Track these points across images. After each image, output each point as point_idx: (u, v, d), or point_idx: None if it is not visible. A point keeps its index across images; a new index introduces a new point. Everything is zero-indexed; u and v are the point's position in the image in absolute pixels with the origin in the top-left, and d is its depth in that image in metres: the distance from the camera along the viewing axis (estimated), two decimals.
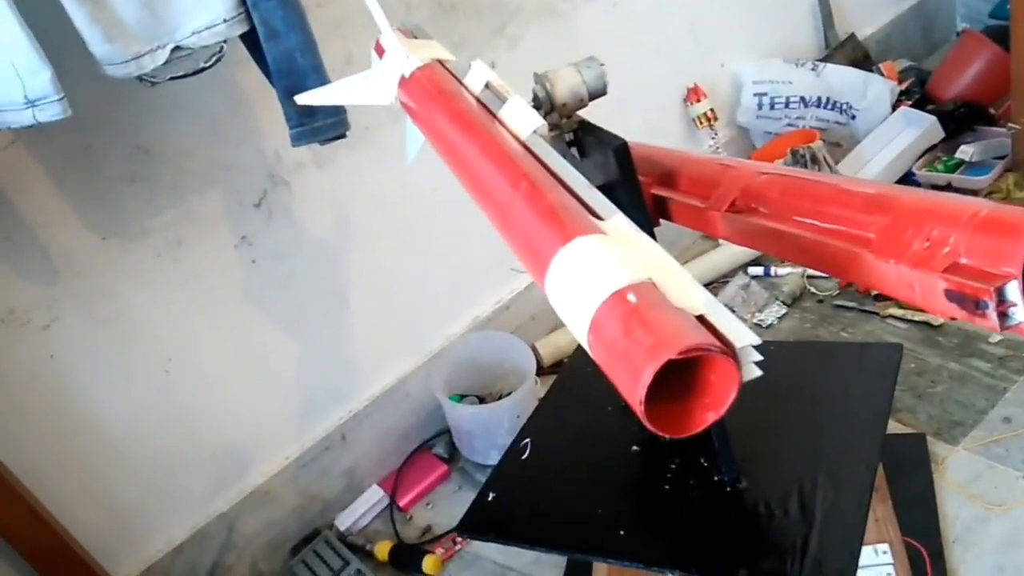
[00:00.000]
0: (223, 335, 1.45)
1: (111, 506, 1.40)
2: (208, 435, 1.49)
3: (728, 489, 0.92)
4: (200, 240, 1.38)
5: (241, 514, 1.55)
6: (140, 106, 1.25)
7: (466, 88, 0.87)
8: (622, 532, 0.92)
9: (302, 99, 1.04)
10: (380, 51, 1.01)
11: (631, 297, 0.50)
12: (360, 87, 1.02)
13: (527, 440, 1.06)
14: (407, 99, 0.93)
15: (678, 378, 0.46)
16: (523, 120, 0.77)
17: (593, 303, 0.51)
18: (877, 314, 1.73)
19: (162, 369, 1.40)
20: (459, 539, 1.56)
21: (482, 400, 1.76)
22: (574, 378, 1.25)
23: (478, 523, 0.99)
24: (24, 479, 1.26)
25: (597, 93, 0.88)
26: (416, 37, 1.04)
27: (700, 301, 0.51)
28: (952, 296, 0.57)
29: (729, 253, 2.03)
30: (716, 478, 0.94)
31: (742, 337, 0.48)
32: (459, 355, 1.74)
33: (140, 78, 1.05)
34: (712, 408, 0.48)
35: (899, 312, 1.71)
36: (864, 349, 1.29)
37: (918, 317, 1.67)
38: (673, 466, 0.97)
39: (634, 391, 0.45)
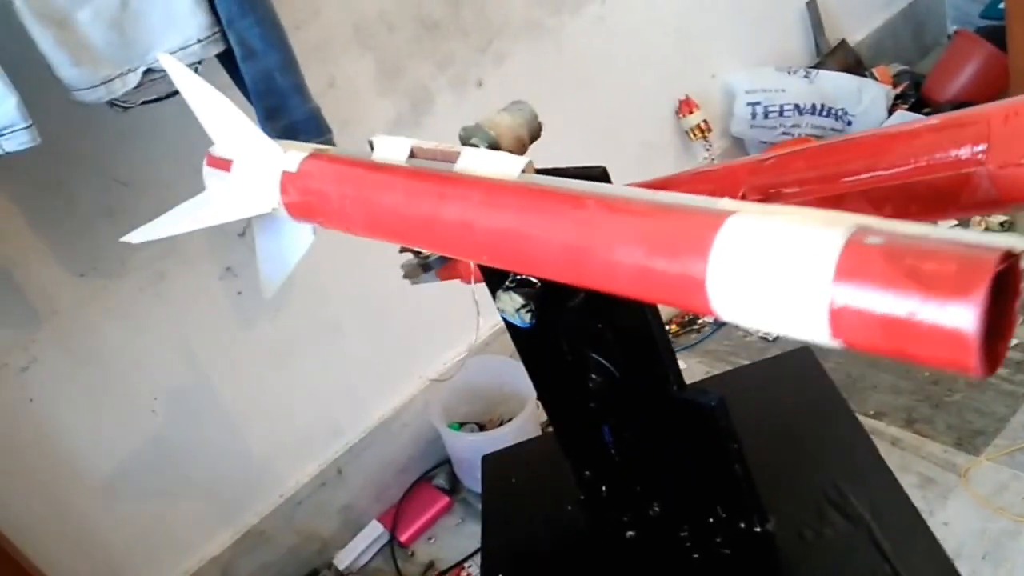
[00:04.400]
0: (211, 370, 1.40)
1: (99, 553, 1.34)
2: (199, 475, 1.43)
3: (758, 530, 0.84)
4: (184, 273, 1.33)
5: (235, 557, 1.48)
6: (116, 136, 1.21)
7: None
8: None
9: (129, 239, 0.90)
10: (219, 164, 0.86)
11: (873, 240, 0.37)
12: (215, 206, 0.87)
13: None
14: (303, 196, 0.76)
15: None
16: (501, 164, 0.66)
17: (820, 275, 0.38)
18: None
19: (148, 408, 1.34)
20: (464, 573, 1.50)
21: (482, 427, 1.70)
22: (503, 495, 1.07)
23: None
24: (7, 529, 1.20)
25: (535, 136, 0.80)
26: None
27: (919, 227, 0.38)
28: None
29: None
30: (742, 525, 0.86)
31: (1010, 241, 0.35)
32: (457, 382, 1.69)
33: (111, 103, 1.00)
34: (1006, 334, 0.36)
35: None
36: (779, 360, 1.21)
37: None
38: (685, 534, 0.90)
39: (960, 339, 0.34)
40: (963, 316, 0.33)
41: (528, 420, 1.56)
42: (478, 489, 1.65)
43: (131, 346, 1.30)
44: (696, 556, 0.84)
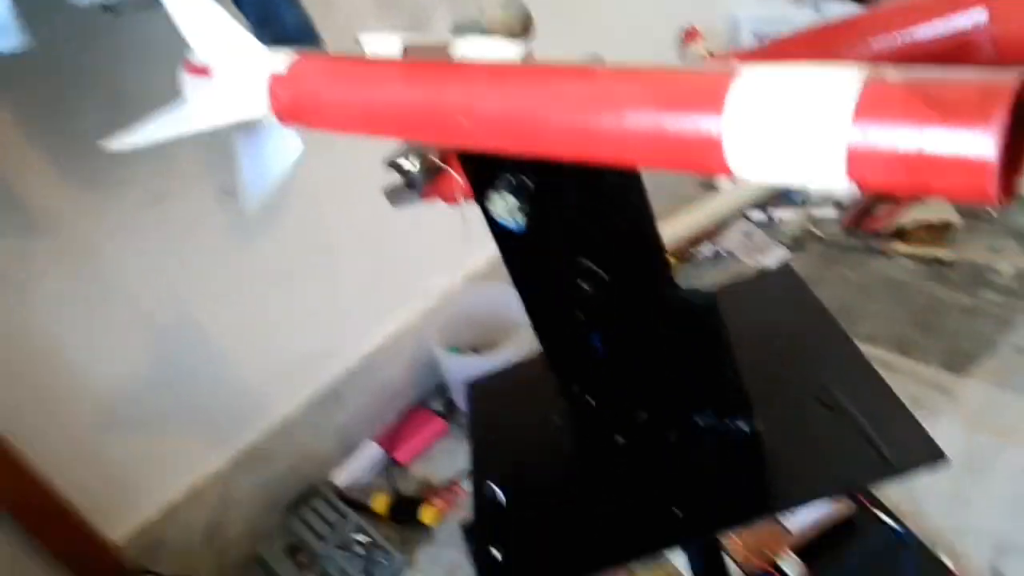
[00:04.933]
0: (210, 291, 1.41)
1: (104, 467, 1.37)
2: (199, 393, 1.45)
3: (745, 429, 0.85)
4: (182, 193, 1.33)
5: (237, 472, 1.51)
6: (112, 51, 1.20)
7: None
8: (676, 510, 0.80)
9: (109, 146, 0.89)
10: (198, 71, 0.84)
11: (892, 76, 0.37)
12: (197, 114, 0.85)
13: (491, 488, 0.91)
14: (293, 98, 0.74)
15: None
16: (502, 50, 0.65)
17: (839, 114, 0.37)
18: (883, 252, 1.68)
19: (148, 326, 1.36)
20: (457, 489, 1.53)
21: (478, 353, 1.72)
22: (489, 410, 1.09)
23: None
24: (14, 439, 1.22)
25: (528, 29, 0.77)
26: None
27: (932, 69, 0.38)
28: None
29: (729, 199, 1.98)
30: (729, 425, 0.86)
31: None
32: (453, 309, 1.70)
33: (104, 7, 1.00)
34: (1020, 167, 0.37)
35: (906, 250, 1.66)
36: (764, 278, 1.22)
37: (925, 254, 1.63)
38: (672, 437, 0.91)
39: (979, 166, 0.34)
40: (983, 141, 0.34)
41: (522, 344, 1.57)
42: None
43: (130, 264, 1.31)
44: (686, 456, 0.86)
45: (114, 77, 1.21)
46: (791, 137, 0.40)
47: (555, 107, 0.53)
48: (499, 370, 1.14)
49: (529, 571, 0.81)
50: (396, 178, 1.05)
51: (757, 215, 1.94)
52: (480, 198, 0.83)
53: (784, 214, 1.91)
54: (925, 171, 0.37)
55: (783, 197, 1.99)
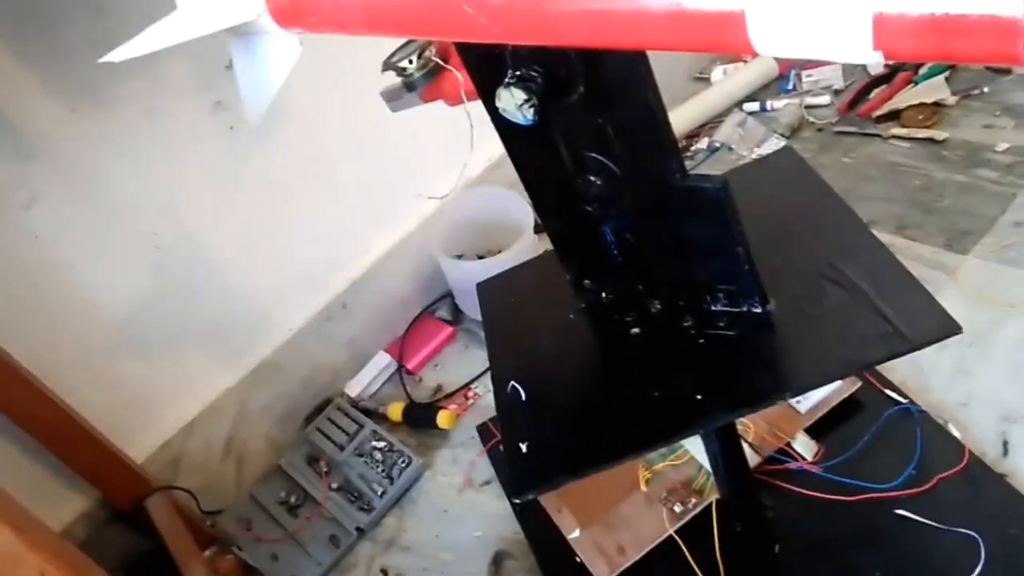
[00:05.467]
0: (210, 206, 1.41)
1: (118, 386, 1.39)
2: (208, 310, 1.46)
3: (760, 311, 0.87)
4: (173, 107, 1.31)
5: (251, 387, 1.54)
6: None
7: None
8: (699, 397, 0.81)
9: (109, 58, 0.83)
10: None
11: None
12: (192, 20, 0.80)
13: (512, 384, 0.91)
14: None
15: None
16: None
17: None
18: (879, 136, 1.68)
19: (152, 244, 1.36)
20: (471, 393, 1.56)
21: (481, 259, 1.73)
22: (503, 309, 1.08)
23: (530, 480, 0.82)
24: (27, 364, 1.24)
25: None
26: None
27: None
28: None
29: (723, 91, 1.96)
30: (744, 309, 0.85)
31: None
32: (454, 215, 1.70)
33: None
34: None
35: (902, 132, 1.66)
36: (765, 161, 1.22)
37: (921, 134, 1.63)
38: (688, 323, 0.88)
39: (1011, 26, 0.34)
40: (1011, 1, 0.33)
41: (526, 248, 1.58)
42: (480, 317, 1.69)
43: (130, 182, 1.30)
44: (702, 341, 0.87)
45: None
46: (815, 8, 0.40)
47: None
48: (508, 270, 1.14)
49: (555, 462, 0.83)
50: (393, 80, 1.03)
51: (750, 106, 1.92)
52: (485, 95, 0.83)
53: (778, 103, 1.90)
54: (953, 35, 0.37)
55: (776, 87, 1.98)
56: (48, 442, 1.27)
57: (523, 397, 0.90)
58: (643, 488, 1.22)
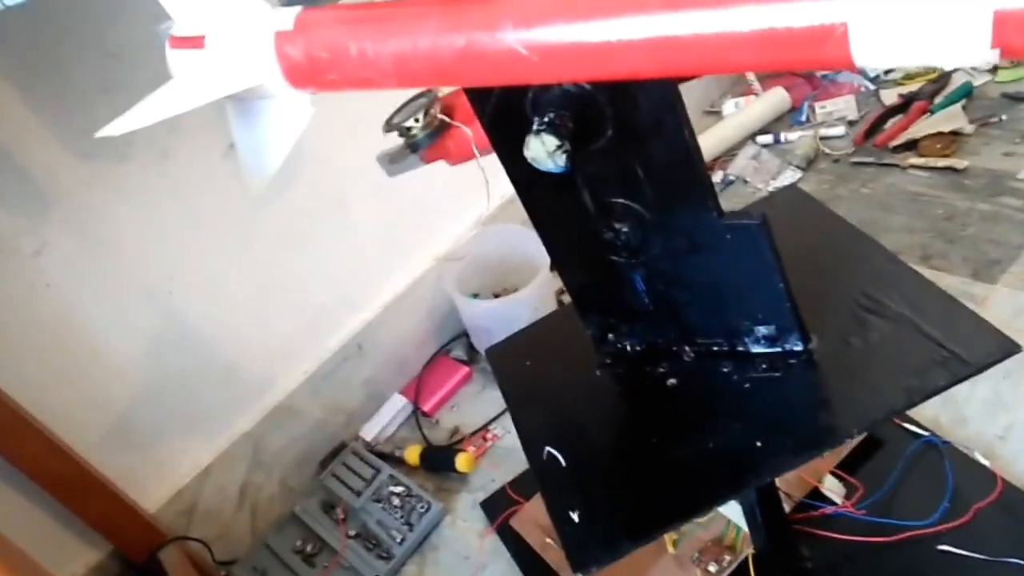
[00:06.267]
0: (223, 250, 1.38)
1: (131, 434, 1.36)
2: (221, 355, 1.43)
3: (802, 349, 0.81)
4: (185, 151, 1.29)
5: (265, 432, 1.50)
6: (105, 9, 1.15)
7: None
8: (758, 443, 0.75)
9: (104, 133, 0.79)
10: (186, 44, 0.76)
11: None
12: (192, 90, 0.77)
13: (547, 451, 0.86)
14: (306, 55, 0.66)
15: None
16: None
17: None
18: (897, 166, 1.67)
19: (164, 290, 1.33)
20: (489, 434, 1.53)
21: (497, 297, 1.71)
22: (519, 379, 1.01)
23: (593, 551, 0.76)
24: (36, 413, 1.21)
25: None
26: None
27: None
28: None
29: (736, 124, 1.95)
30: (786, 347, 0.82)
31: None
32: (468, 254, 1.68)
33: None
34: None
35: (920, 161, 1.64)
36: (773, 198, 1.20)
37: (941, 164, 1.61)
38: (727, 369, 0.85)
39: None
40: None
41: (542, 286, 1.56)
42: None
43: (142, 227, 1.28)
44: (747, 386, 0.83)
45: (107, 36, 1.17)
46: (928, 12, 0.37)
47: (642, 20, 0.48)
48: (514, 335, 1.09)
49: (616, 528, 0.77)
50: (392, 144, 0.98)
51: (764, 139, 1.91)
52: (503, 148, 0.80)
53: (791, 135, 1.88)
54: None
55: (789, 119, 1.96)
56: (59, 493, 1.24)
57: (563, 463, 0.86)
58: (671, 550, 1.17)
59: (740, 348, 0.86)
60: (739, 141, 1.93)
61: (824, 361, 0.81)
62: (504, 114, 0.75)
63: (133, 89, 1.22)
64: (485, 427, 1.55)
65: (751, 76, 2.02)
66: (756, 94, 2.00)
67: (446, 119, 0.87)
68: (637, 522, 0.77)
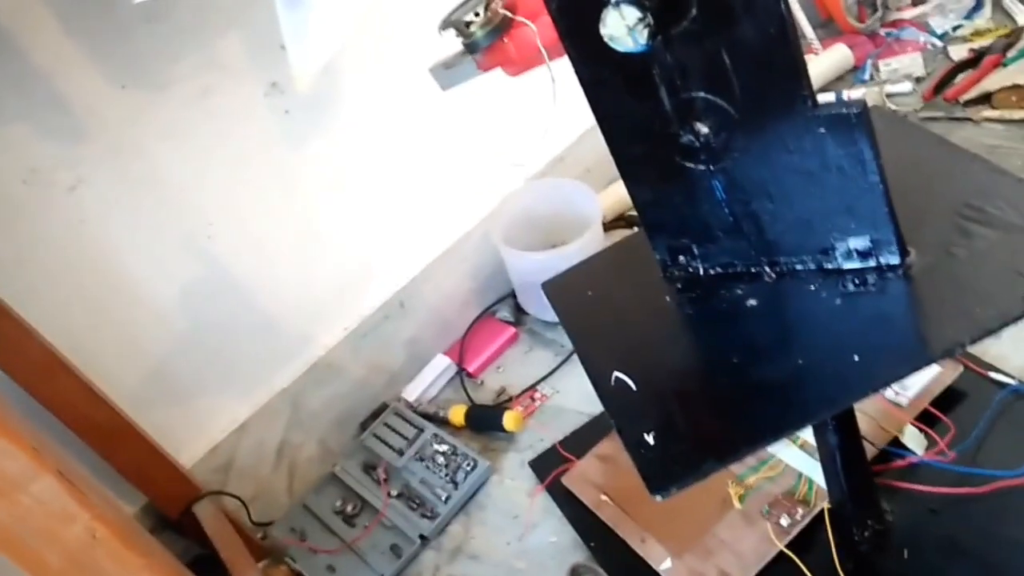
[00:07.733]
0: (265, 197, 1.33)
1: (166, 385, 1.31)
2: (261, 306, 1.38)
3: (899, 262, 0.74)
4: (227, 88, 1.24)
5: (305, 389, 1.45)
6: None
7: None
8: (856, 358, 0.69)
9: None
10: None
11: None
12: None
13: (616, 376, 0.80)
14: None
15: None
16: None
17: None
18: (970, 119, 1.57)
19: (204, 235, 1.28)
20: (538, 394, 1.46)
21: None
22: (581, 309, 0.95)
23: (673, 471, 0.69)
24: (71, 358, 1.16)
25: None
26: None
27: None
28: None
29: None
30: (881, 262, 0.75)
31: None
32: (516, 209, 1.61)
33: None
34: None
35: (994, 114, 1.55)
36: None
37: (1017, 116, 1.52)
38: (813, 287, 0.77)
39: None
40: None
41: (594, 239, 1.49)
42: (544, 317, 1.60)
43: (182, 168, 1.23)
44: (839, 302, 0.76)
45: None
46: None
47: None
48: (571, 268, 1.03)
49: (697, 449, 0.70)
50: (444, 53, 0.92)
51: (825, 97, 1.82)
52: (572, 37, 0.73)
53: (855, 93, 1.79)
54: None
55: (851, 78, 1.88)
56: (93, 441, 1.19)
57: (633, 388, 0.79)
58: (737, 506, 1.10)
59: (828, 265, 0.78)
60: None
61: (924, 274, 0.74)
62: None
63: (177, 21, 1.18)
64: (533, 387, 1.48)
65: (811, 34, 1.93)
66: (816, 52, 1.91)
67: (508, 14, 0.81)
68: (724, 441, 0.70)
